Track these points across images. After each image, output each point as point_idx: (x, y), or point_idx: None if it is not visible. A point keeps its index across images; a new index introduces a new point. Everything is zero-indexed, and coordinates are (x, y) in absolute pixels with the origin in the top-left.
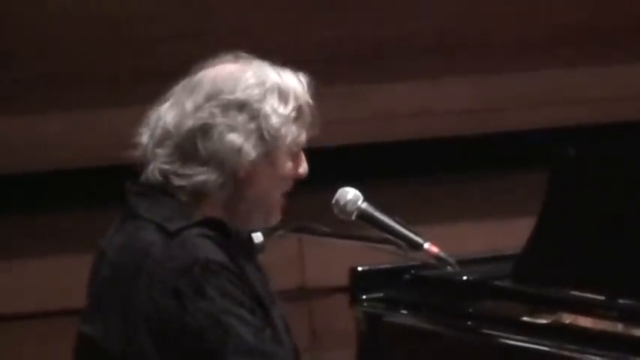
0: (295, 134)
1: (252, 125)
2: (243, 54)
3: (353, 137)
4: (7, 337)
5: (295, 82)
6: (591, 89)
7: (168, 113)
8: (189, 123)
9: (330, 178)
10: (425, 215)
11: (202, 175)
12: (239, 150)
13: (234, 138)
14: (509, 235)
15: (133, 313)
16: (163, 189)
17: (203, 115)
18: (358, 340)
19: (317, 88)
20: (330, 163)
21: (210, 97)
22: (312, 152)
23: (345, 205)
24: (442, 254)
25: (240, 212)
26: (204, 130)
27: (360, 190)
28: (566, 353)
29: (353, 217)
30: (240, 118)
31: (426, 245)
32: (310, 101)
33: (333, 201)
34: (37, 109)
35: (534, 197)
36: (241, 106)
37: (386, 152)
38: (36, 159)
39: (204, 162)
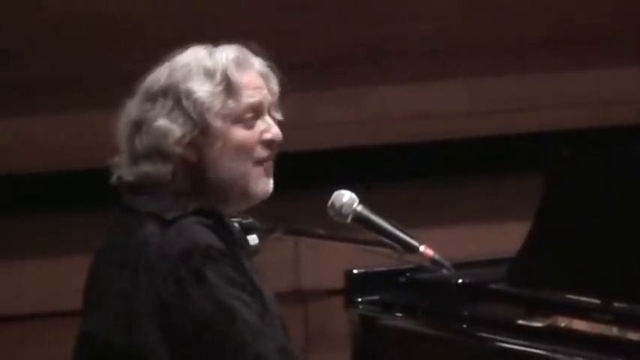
0: (227, 104)
1: (177, 106)
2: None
3: (349, 140)
4: (6, 338)
5: (225, 57)
6: (588, 92)
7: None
8: (127, 123)
9: (325, 181)
10: (421, 218)
11: (146, 167)
12: (166, 133)
13: (161, 124)
14: (505, 238)
15: (136, 304)
16: (158, 184)
17: (134, 112)
18: (353, 342)
19: (314, 91)
20: (326, 165)
21: (142, 93)
22: (308, 155)
23: (341, 207)
24: (438, 257)
25: (219, 196)
26: (137, 126)
27: (356, 193)
28: (560, 356)
29: (349, 220)
30: (166, 103)
31: (422, 248)
32: (255, 69)
33: (329, 204)
34: (36, 110)
35: (530, 200)
36: (165, 91)
37: (382, 155)
38: (33, 160)
39: (146, 156)
